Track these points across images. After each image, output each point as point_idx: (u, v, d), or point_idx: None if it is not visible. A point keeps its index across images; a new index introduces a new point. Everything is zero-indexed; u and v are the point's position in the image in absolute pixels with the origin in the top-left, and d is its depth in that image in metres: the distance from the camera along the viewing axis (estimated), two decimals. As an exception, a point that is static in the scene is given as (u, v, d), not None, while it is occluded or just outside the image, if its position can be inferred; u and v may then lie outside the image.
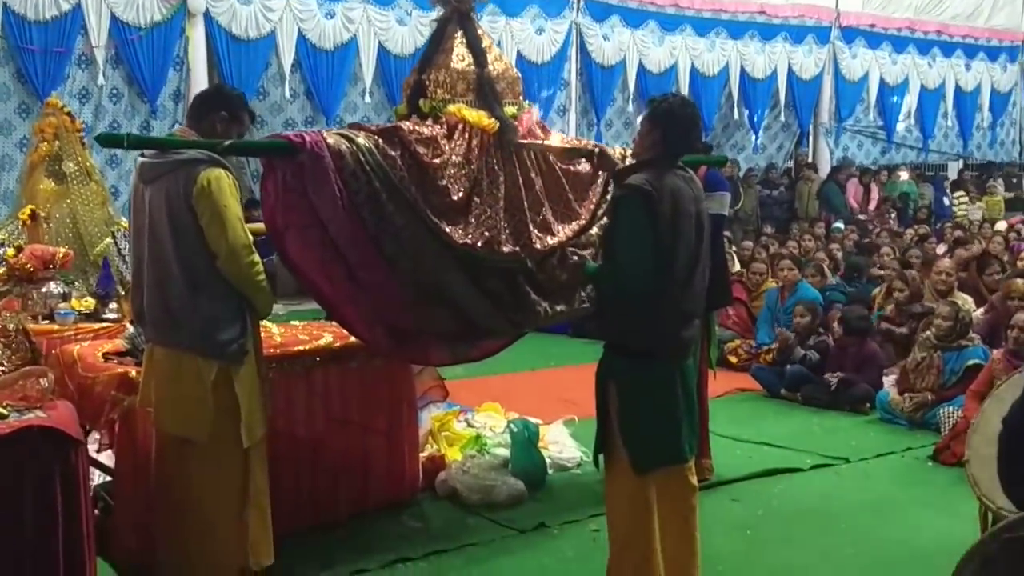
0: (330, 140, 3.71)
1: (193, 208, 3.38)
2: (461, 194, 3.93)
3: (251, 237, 3.49)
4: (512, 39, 12.06)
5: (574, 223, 4.24)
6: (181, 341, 3.43)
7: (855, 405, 6.40)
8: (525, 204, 4.09)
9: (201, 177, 3.37)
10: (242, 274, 3.44)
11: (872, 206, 15.04)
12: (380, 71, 11.32)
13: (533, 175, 4.15)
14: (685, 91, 13.65)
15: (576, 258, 3.90)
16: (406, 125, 3.91)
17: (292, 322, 4.98)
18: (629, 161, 3.99)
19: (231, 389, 3.43)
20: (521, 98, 4.35)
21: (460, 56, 4.16)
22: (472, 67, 4.15)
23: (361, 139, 3.76)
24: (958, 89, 16.53)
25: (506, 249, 4.01)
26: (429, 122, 4.02)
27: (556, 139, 3.76)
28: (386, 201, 3.76)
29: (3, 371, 3.25)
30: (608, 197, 4.34)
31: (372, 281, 3.82)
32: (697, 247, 3.30)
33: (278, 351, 4.15)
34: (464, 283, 3.95)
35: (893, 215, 14.64)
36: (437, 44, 4.25)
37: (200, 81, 10.31)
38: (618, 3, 13.14)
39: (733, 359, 7.55)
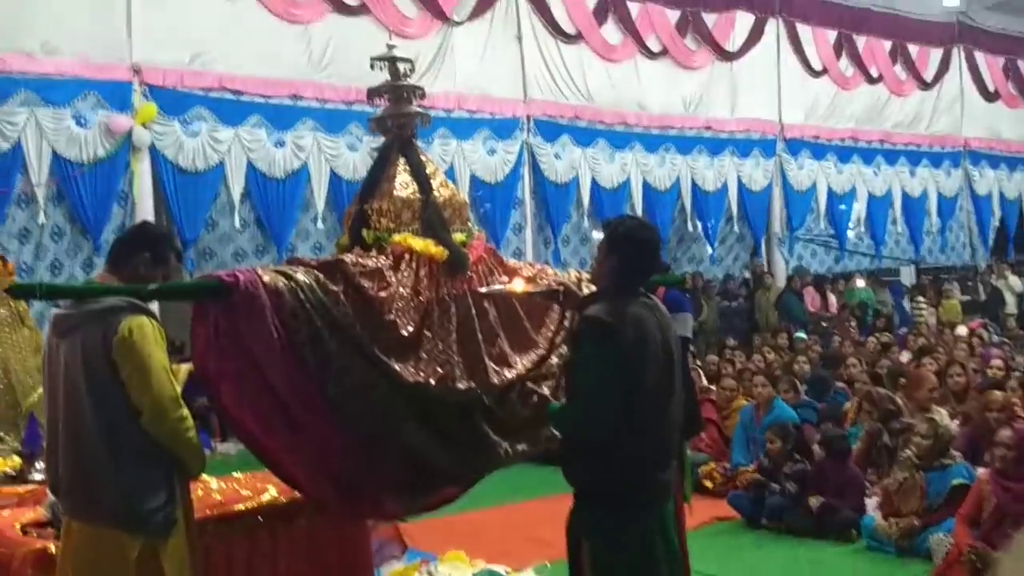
0: (266, 278, 3.43)
1: (113, 361, 3.06)
2: (411, 328, 3.65)
3: (178, 389, 3.17)
4: (465, 161, 12.06)
5: (532, 353, 3.97)
6: (99, 514, 3.05)
7: (841, 532, 6.05)
8: (479, 335, 3.81)
9: (123, 327, 3.07)
10: (170, 431, 3.10)
11: (830, 313, 15.02)
12: (332, 197, 11.19)
13: (486, 304, 3.89)
14: (639, 205, 13.78)
15: (536, 396, 3.63)
16: (348, 258, 3.66)
17: (235, 473, 4.58)
18: (586, 287, 3.76)
19: (158, 566, 3.04)
20: (470, 224, 4.13)
21: (404, 183, 3.95)
22: (416, 195, 3.94)
23: (300, 275, 3.49)
24: (905, 195, 16.84)
25: (461, 385, 3.71)
26: (373, 253, 3.77)
27: (518, 282, 3.57)
28: (328, 339, 3.47)
29: None
30: (566, 323, 4.10)
31: (315, 428, 3.49)
32: (668, 377, 3.03)
33: (215, 512, 3.75)
34: (417, 425, 3.63)
35: (853, 323, 14.60)
36: (379, 172, 4.04)
37: (146, 214, 10.07)
38: (567, 123, 13.27)
39: (708, 483, 7.20)
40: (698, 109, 14.46)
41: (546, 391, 3.92)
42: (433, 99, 10.91)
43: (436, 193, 3.98)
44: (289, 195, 10.99)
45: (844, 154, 16.06)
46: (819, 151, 15.74)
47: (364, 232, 3.89)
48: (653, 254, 3.19)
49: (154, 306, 3.58)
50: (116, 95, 10.07)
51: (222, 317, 3.37)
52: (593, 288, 3.42)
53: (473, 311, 3.83)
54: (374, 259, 3.70)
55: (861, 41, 16.07)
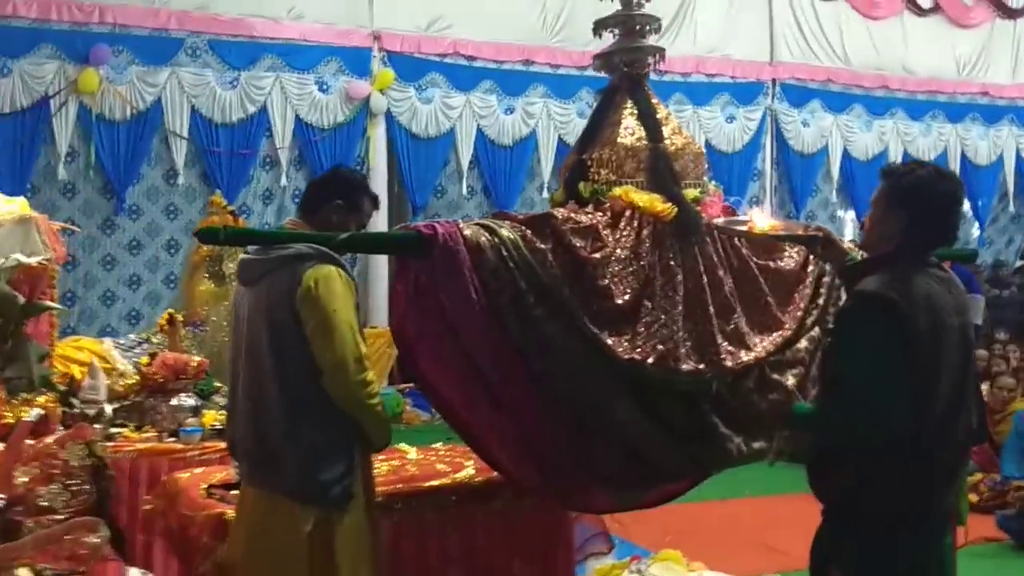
0: (467, 232, 3.03)
1: (297, 313, 2.77)
2: (628, 296, 3.12)
3: (364, 348, 2.84)
4: (700, 128, 11.30)
5: (776, 334, 3.31)
6: (273, 481, 2.78)
7: None
8: (711, 309, 3.22)
9: (307, 276, 2.77)
10: (351, 394, 2.77)
11: None
12: (559, 166, 10.79)
13: (721, 272, 3.28)
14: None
15: (779, 387, 3.01)
16: (560, 213, 3.17)
17: (437, 444, 4.26)
18: (857, 255, 3.06)
19: (332, 543, 2.73)
20: (706, 179, 3.53)
21: (629, 130, 3.41)
22: (644, 142, 3.39)
23: (505, 230, 3.06)
24: None
25: (686, 367, 3.14)
26: (589, 208, 3.27)
27: (762, 221, 2.91)
28: (533, 304, 3.01)
29: (59, 520, 2.69)
30: (820, 300, 3.42)
31: (518, 405, 3.06)
32: (963, 376, 2.32)
33: (407, 486, 3.42)
34: (633, 410, 3.10)
35: None
36: (602, 117, 3.52)
37: (380, 180, 10.18)
38: (819, 87, 12.17)
39: (973, 497, 6.18)
40: (973, 72, 12.84)
41: (791, 381, 3.26)
42: (670, 62, 10.26)
43: (668, 141, 3.42)
44: (516, 163, 10.75)
45: None
46: (1123, 120, 13.57)
47: (581, 185, 3.40)
48: (953, 212, 2.48)
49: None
50: (357, 61, 10.22)
51: (423, 273, 3.02)
52: (864, 255, 2.71)
53: (705, 280, 3.23)
54: (589, 215, 3.20)
55: None
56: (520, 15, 10.65)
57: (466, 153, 10.57)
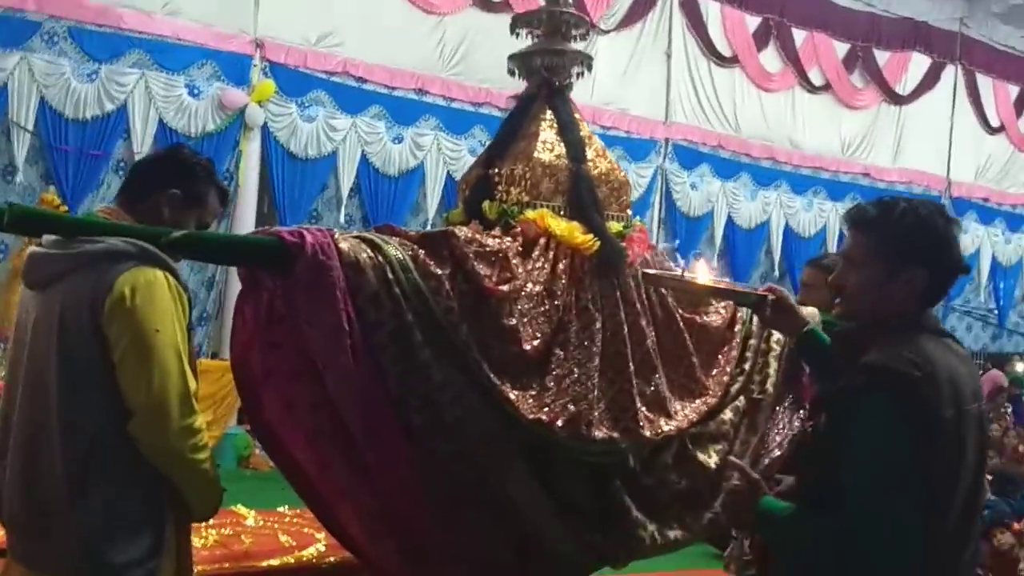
0: (343, 245, 2.40)
1: (102, 331, 2.06)
2: (537, 342, 2.56)
3: (195, 385, 2.14)
4: (593, 181, 10.96)
5: (699, 401, 2.81)
6: (47, 559, 2.04)
7: None
8: (631, 366, 2.68)
9: (122, 281, 2.08)
10: (169, 447, 2.07)
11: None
12: (446, 201, 10.24)
13: (643, 322, 2.75)
14: (777, 250, 12.48)
15: (697, 464, 2.50)
16: (462, 232, 2.58)
17: (283, 508, 3.52)
18: (814, 320, 2.55)
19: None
20: (629, 212, 3.01)
21: (548, 144, 2.87)
22: (564, 160, 2.85)
23: (392, 248, 2.45)
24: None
25: (599, 433, 2.58)
26: (497, 231, 2.70)
27: (702, 272, 2.39)
28: (421, 343, 2.40)
29: None
30: (746, 365, 2.92)
31: (385, 469, 2.42)
32: (978, 476, 1.83)
33: (234, 567, 2.70)
34: (529, 484, 2.52)
35: (1008, 408, 12.82)
36: (515, 127, 2.98)
37: (249, 199, 9.39)
38: (709, 151, 12.07)
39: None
40: (857, 153, 13.05)
41: (714, 459, 2.75)
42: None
43: (591, 164, 2.89)
44: (401, 195, 10.11)
45: (1014, 222, 14.32)
46: (987, 215, 14.06)
47: (486, 204, 2.82)
48: (961, 262, 2.01)
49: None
50: (234, 68, 9.40)
51: (280, 295, 2.37)
52: (838, 315, 2.19)
53: (626, 330, 2.69)
54: (497, 238, 2.62)
55: (1046, 100, 14.37)
56: (417, 41, 10.10)
57: (347, 179, 9.86)
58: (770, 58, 12.32)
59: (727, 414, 2.83)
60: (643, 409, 2.66)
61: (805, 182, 12.73)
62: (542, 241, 2.65)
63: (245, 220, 9.33)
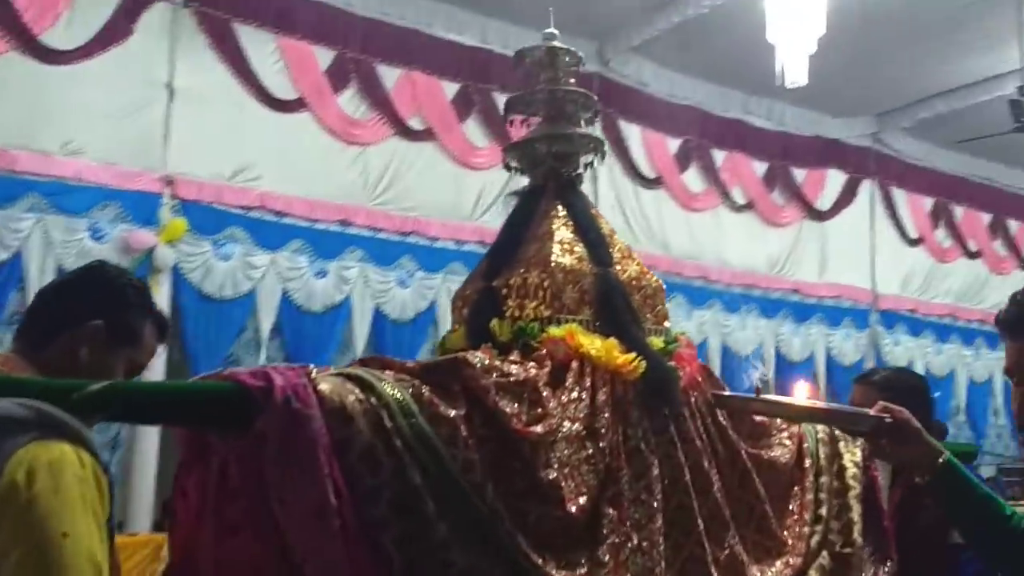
0: (323, 386, 1.77)
1: None
2: (584, 500, 1.93)
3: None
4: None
5: (779, 563, 2.19)
6: None
7: None
8: (700, 523, 2.07)
9: (14, 463, 1.44)
10: None
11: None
12: (374, 338, 9.59)
13: (707, 464, 2.16)
14: (717, 369, 12.10)
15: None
16: (477, 359, 1.97)
17: None
18: (938, 450, 2.00)
19: None
20: (667, 324, 2.45)
21: (565, 246, 2.31)
22: (587, 265, 2.29)
23: (388, 386, 1.82)
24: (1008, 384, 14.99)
25: (672, 622, 1.94)
26: (515, 356, 2.10)
27: (803, 389, 1.84)
28: (435, 517, 1.75)
29: None
30: (822, 511, 2.34)
31: None
32: None
33: None
34: None
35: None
36: (520, 229, 2.42)
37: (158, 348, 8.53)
38: (642, 275, 11.78)
39: None
40: (784, 269, 12.97)
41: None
42: (484, 234, 9.57)
43: (618, 267, 2.34)
44: (327, 332, 9.42)
45: (943, 333, 14.37)
46: (916, 327, 14.08)
47: (495, 323, 2.22)
48: None
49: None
50: (141, 207, 8.72)
51: (234, 463, 1.73)
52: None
53: (688, 476, 2.09)
54: (519, 365, 2.02)
55: (959, 211, 14.70)
56: (338, 172, 9.65)
57: (268, 319, 9.15)
58: (693, 178, 12.27)
59: (812, 575, 2.22)
60: (719, 578, 2.03)
61: (737, 300, 12.53)
62: (575, 366, 2.06)
63: (154, 371, 8.49)
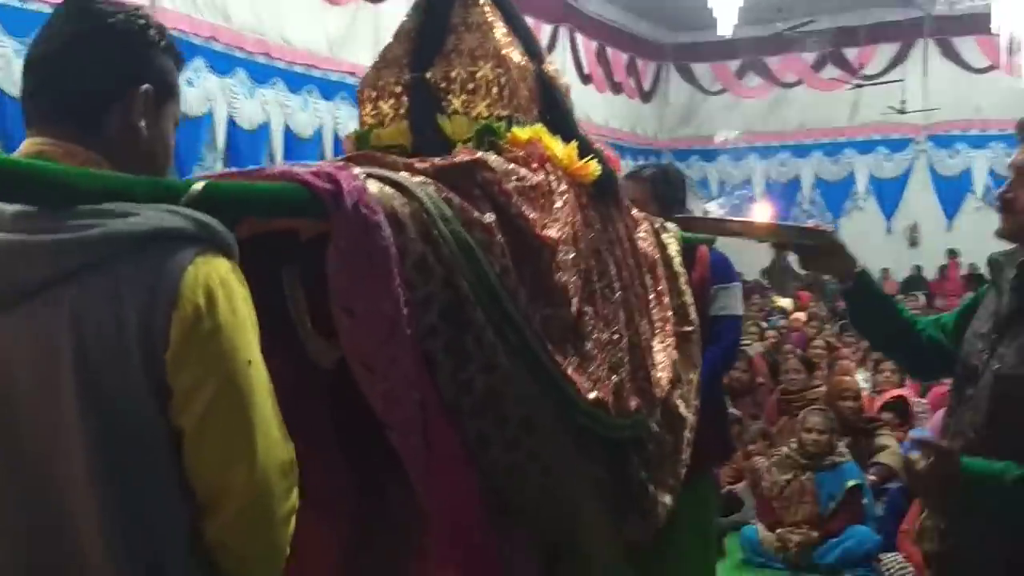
0: (372, 188, 1.59)
1: (162, 371, 1.12)
2: (576, 300, 1.99)
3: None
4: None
5: (668, 343, 2.47)
6: None
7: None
8: (636, 315, 2.25)
9: (188, 285, 1.15)
10: (272, 551, 1.23)
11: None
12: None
13: (630, 261, 2.31)
14: (279, 152, 11.89)
15: (676, 408, 2.28)
16: (494, 162, 1.85)
17: None
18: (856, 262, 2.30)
19: None
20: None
21: (509, 39, 2.18)
22: (528, 61, 2.20)
23: (420, 191, 1.68)
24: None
25: (632, 404, 2.13)
26: (494, 157, 1.99)
27: (763, 209, 1.98)
28: (484, 323, 1.71)
29: None
30: (682, 280, 2.65)
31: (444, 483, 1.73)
32: None
33: None
34: (589, 491, 2.01)
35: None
36: (442, 16, 2.19)
37: None
38: (202, 44, 10.90)
39: None
40: (343, 51, 12.87)
41: (684, 409, 2.46)
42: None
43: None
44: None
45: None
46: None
47: (446, 121, 2.06)
48: None
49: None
50: None
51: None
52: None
53: (627, 272, 2.24)
54: (526, 168, 1.94)
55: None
56: None
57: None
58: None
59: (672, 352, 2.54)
60: (650, 363, 2.26)
61: (299, 80, 12.24)
62: (549, 169, 2.03)
63: None
